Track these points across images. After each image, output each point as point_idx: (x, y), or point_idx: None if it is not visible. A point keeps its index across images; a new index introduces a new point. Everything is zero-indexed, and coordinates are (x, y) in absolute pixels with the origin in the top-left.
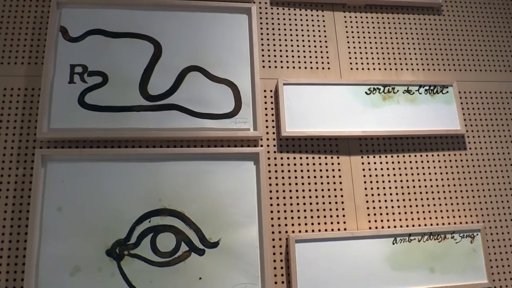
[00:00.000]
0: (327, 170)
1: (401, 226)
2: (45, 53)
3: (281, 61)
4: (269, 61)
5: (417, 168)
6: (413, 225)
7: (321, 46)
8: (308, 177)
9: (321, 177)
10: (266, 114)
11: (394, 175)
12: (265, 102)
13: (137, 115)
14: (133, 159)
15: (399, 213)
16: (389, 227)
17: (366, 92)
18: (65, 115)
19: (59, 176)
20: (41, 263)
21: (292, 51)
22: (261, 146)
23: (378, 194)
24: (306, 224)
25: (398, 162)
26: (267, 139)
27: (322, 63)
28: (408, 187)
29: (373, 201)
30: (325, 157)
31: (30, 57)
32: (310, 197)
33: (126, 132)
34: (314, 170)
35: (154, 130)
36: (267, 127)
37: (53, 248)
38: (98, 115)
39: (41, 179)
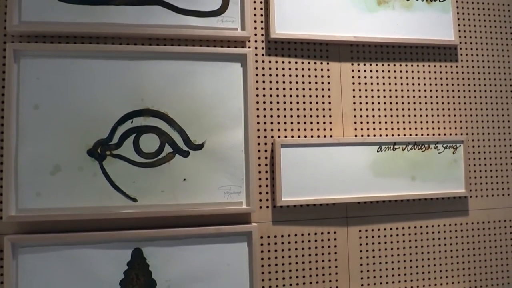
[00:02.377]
0: (316, 76)
1: (386, 135)
2: None
3: None
4: None
5: (406, 78)
6: (399, 134)
7: None
8: (297, 82)
9: (310, 83)
10: (255, 15)
11: (384, 84)
12: (254, 1)
13: (116, 9)
14: (113, 57)
15: (386, 122)
16: (374, 135)
17: None
18: (38, 7)
19: (34, 73)
20: (20, 163)
21: None
22: (249, 47)
23: (366, 103)
24: (292, 129)
25: (388, 71)
26: (255, 41)
27: None
28: (396, 96)
29: (361, 109)
30: (315, 63)
31: None
32: (297, 102)
33: (104, 27)
34: (303, 76)
35: (135, 26)
36: (255, 28)
37: (32, 147)
38: (74, 8)
39: (14, 75)
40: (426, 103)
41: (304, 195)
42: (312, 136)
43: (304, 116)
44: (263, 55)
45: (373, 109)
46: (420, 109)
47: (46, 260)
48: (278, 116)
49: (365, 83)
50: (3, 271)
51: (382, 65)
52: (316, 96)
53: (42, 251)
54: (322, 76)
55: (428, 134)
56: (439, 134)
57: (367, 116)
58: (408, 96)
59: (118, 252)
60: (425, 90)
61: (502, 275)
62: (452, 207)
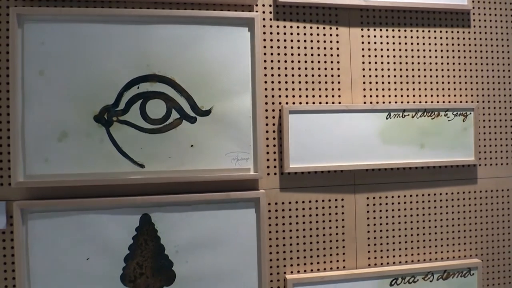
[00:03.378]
0: (324, 42)
1: (396, 102)
2: None
3: None
4: None
5: (417, 44)
6: (408, 101)
7: None
8: (305, 47)
9: (318, 48)
10: None
11: (394, 50)
12: None
13: None
14: (118, 21)
15: (395, 89)
16: (384, 102)
17: None
18: None
19: (38, 38)
20: (26, 129)
21: None
22: (257, 12)
23: (376, 69)
24: (300, 96)
25: (399, 37)
26: (263, 5)
27: None
28: (406, 63)
29: (370, 76)
30: (324, 28)
31: None
32: (305, 68)
33: None
34: (312, 41)
35: None
36: None
37: (38, 113)
38: None
39: (19, 40)
40: (436, 69)
41: (312, 162)
42: (320, 103)
43: (313, 82)
44: (271, 19)
45: (382, 76)
46: (431, 76)
47: (55, 226)
48: (286, 82)
49: (375, 49)
50: (13, 236)
51: (393, 30)
52: (325, 62)
53: (51, 216)
54: (331, 42)
55: (438, 102)
56: (449, 102)
57: (377, 82)
58: (418, 63)
59: (127, 217)
60: (436, 57)
61: (509, 243)
62: (461, 175)
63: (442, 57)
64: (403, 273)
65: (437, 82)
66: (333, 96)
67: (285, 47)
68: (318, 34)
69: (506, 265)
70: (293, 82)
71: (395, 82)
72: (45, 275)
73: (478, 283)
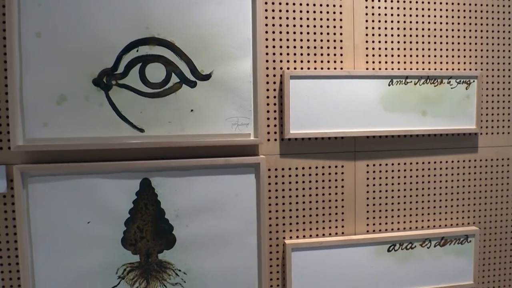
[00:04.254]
0: (327, 6)
1: (398, 68)
2: None
3: None
4: None
5: (422, 9)
6: (411, 68)
7: None
8: (307, 11)
9: (321, 12)
10: None
11: (398, 15)
12: None
13: None
14: None
15: (398, 55)
16: (386, 68)
17: None
18: None
19: None
20: (24, 92)
21: None
22: None
23: (379, 34)
24: (302, 61)
25: (404, 2)
26: None
27: None
28: (410, 28)
29: (373, 41)
30: None
31: None
32: (307, 33)
33: None
34: (314, 5)
35: None
36: None
37: (36, 76)
38: None
39: (15, 1)
40: (441, 36)
41: (312, 128)
42: (322, 68)
43: (315, 47)
44: None
45: (385, 41)
46: (435, 43)
47: (56, 189)
48: (288, 46)
49: (379, 14)
50: (14, 200)
51: None
52: (327, 26)
53: (52, 180)
54: (334, 6)
55: (441, 69)
56: (452, 69)
57: (379, 48)
58: (422, 29)
59: (127, 182)
60: (440, 23)
61: (507, 211)
62: (462, 144)
63: (446, 23)
64: (401, 240)
65: (441, 49)
66: (335, 61)
67: (287, 11)
68: None
69: (503, 233)
70: (294, 47)
71: (398, 48)
72: (46, 238)
73: (475, 250)
